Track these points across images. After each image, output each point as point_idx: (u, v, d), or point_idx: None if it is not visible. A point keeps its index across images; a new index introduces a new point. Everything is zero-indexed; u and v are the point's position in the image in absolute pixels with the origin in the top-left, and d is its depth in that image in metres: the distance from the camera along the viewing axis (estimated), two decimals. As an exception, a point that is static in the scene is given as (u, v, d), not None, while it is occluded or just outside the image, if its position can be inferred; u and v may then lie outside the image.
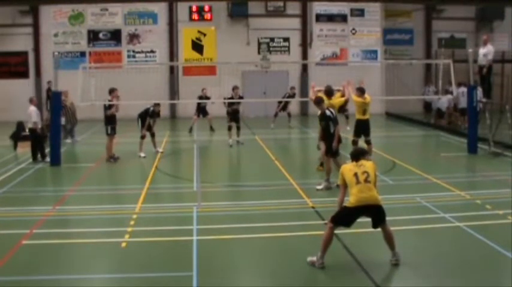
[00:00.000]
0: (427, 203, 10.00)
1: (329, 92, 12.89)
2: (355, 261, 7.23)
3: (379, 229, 7.12)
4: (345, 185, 7.18)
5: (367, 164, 7.25)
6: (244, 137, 18.36)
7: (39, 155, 14.74)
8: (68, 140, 18.68)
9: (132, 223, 9.05)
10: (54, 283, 6.72)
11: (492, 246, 7.70)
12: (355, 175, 7.09)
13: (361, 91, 13.78)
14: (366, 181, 7.03)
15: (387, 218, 7.08)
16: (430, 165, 14.06)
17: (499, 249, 7.56)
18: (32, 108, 14.90)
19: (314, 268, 6.96)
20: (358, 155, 7.39)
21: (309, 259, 7.07)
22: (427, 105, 25.66)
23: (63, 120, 17.48)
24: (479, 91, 16.30)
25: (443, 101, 22.45)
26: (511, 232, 8.23)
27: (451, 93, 17.91)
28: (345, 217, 7.09)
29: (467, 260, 7.42)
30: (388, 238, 7.15)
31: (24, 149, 16.04)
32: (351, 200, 7.05)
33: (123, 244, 8.01)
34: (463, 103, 19.94)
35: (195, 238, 8.27)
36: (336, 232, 7.29)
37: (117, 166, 14.72)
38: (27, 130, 15.56)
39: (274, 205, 10.18)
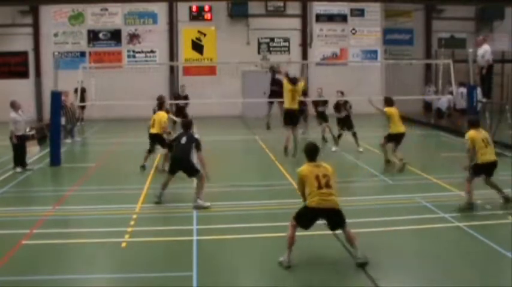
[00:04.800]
0: (427, 203, 10.00)
1: (293, 80, 14.88)
2: (356, 261, 7.22)
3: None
4: (304, 188, 7.08)
5: (327, 167, 7.12)
6: (244, 137, 18.35)
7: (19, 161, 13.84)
8: (68, 140, 18.69)
9: (132, 223, 9.06)
10: (54, 283, 6.73)
11: (492, 246, 7.70)
12: (317, 177, 6.93)
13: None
14: (327, 185, 6.93)
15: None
16: (430, 165, 14.06)
17: (499, 249, 7.56)
18: (12, 115, 13.73)
19: (313, 269, 6.97)
20: (314, 152, 7.19)
21: (280, 259, 7.06)
22: (427, 105, 25.66)
23: (63, 120, 17.51)
24: (479, 91, 16.30)
25: (443, 101, 22.46)
26: (511, 232, 8.24)
27: (451, 93, 17.91)
28: (305, 216, 7.02)
29: (467, 260, 7.42)
30: (350, 240, 7.08)
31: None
32: (310, 202, 6.97)
33: (123, 244, 8.01)
34: (460, 104, 19.93)
35: (195, 238, 8.28)
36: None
37: (117, 166, 14.72)
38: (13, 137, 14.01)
39: (274, 205, 10.19)
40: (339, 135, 16.41)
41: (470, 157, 9.62)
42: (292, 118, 15.03)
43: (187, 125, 10.88)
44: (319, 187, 6.89)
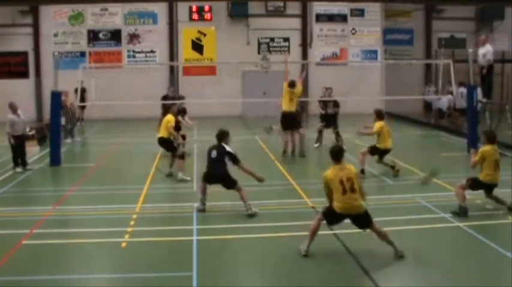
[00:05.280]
0: (427, 203, 10.00)
1: (291, 83, 14.82)
2: (356, 261, 7.23)
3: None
4: (331, 191, 7.27)
5: (351, 169, 7.27)
6: (244, 137, 18.35)
7: (19, 161, 13.80)
8: (68, 140, 18.69)
9: (132, 223, 9.06)
10: (54, 283, 6.73)
11: (492, 246, 7.70)
12: (341, 182, 7.09)
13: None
14: (352, 189, 7.09)
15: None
16: (430, 165, 14.01)
17: (499, 249, 7.57)
18: (10, 117, 13.65)
19: (314, 268, 6.97)
20: (339, 154, 7.32)
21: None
22: (427, 105, 25.67)
23: (63, 120, 17.51)
24: (479, 91, 16.30)
25: (443, 101, 22.45)
26: (511, 232, 8.24)
27: (451, 93, 17.92)
28: (331, 217, 7.29)
29: (467, 260, 7.43)
30: (382, 237, 7.23)
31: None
32: (335, 206, 7.13)
33: (123, 244, 8.02)
34: (460, 104, 19.92)
35: (195, 238, 8.28)
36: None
37: (117, 166, 14.71)
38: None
39: (274, 205, 10.19)
40: (320, 131, 16.55)
41: (474, 166, 9.52)
42: (290, 122, 14.90)
43: (219, 137, 9.81)
44: (344, 192, 7.08)
